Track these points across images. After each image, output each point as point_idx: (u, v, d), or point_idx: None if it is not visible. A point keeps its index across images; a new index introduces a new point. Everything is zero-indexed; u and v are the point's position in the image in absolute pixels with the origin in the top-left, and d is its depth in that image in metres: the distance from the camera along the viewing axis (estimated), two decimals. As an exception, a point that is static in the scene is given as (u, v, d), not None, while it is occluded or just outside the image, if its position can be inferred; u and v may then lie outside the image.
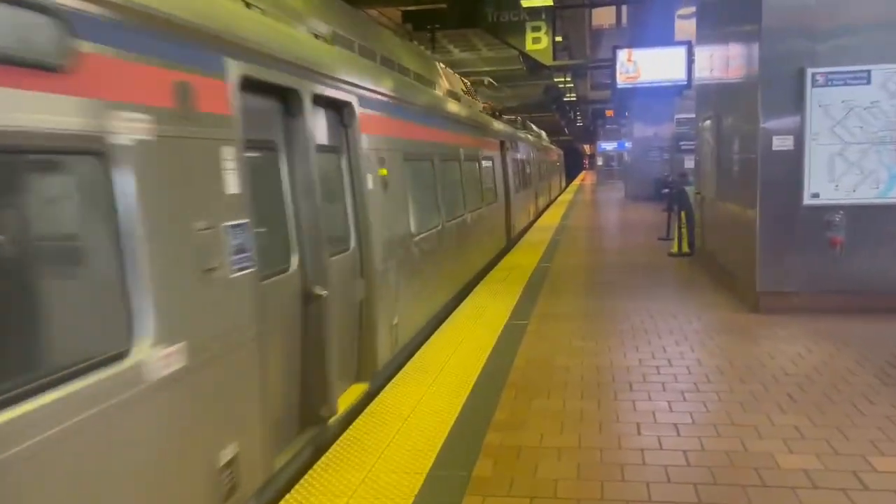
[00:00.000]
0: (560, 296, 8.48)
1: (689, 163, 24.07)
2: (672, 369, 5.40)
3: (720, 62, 8.84)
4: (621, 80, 13.73)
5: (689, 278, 9.39)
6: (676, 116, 23.36)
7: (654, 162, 25.75)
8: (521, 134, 19.38)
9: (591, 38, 23.23)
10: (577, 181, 51.65)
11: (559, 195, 33.99)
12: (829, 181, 6.77)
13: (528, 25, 14.12)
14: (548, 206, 26.24)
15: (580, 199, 29.06)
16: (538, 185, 22.57)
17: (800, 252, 6.91)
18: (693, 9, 20.69)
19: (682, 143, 23.45)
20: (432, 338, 6.70)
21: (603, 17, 28.50)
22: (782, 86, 6.84)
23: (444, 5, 13.96)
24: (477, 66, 25.80)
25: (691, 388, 4.96)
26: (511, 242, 14.27)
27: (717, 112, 8.96)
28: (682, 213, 11.67)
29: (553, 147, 35.87)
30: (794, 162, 6.84)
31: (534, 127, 28.90)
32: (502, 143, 13.46)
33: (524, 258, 11.86)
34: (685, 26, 19.75)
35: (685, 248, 11.60)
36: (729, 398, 4.72)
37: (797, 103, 6.79)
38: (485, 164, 11.63)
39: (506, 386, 5.12)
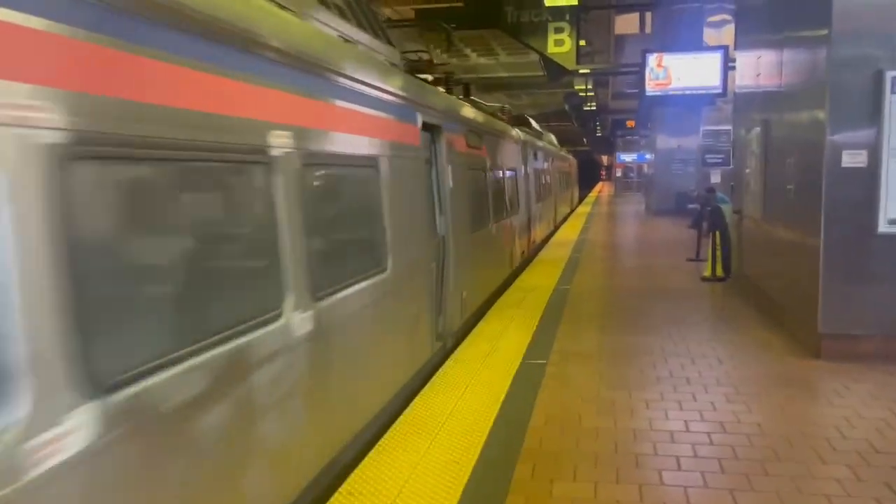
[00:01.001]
0: (583, 327, 7.43)
1: (716, 177, 23.07)
2: (728, 437, 4.34)
3: (771, 67, 7.78)
4: (651, 87, 12.69)
5: (729, 309, 8.30)
6: (703, 128, 22.27)
7: (677, 175, 24.65)
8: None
9: (614, 45, 22.20)
10: (594, 192, 50.49)
11: (570, 212, 28.19)
12: (910, 205, 5.69)
13: (551, 26, 13.12)
14: (558, 226, 22.14)
15: (598, 212, 27.94)
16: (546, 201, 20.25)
17: (873, 289, 5.83)
18: (723, 16, 19.77)
19: (708, 156, 22.39)
20: (435, 377, 5.69)
21: (625, 25, 27.47)
22: (855, 92, 5.78)
23: (460, 3, 12.99)
24: (495, 71, 24.85)
25: (756, 468, 3.89)
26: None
27: (766, 122, 7.90)
28: (717, 234, 10.58)
29: (567, 155, 30.97)
30: (867, 181, 5.77)
31: (549, 135, 27.37)
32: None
33: (541, 278, 10.82)
34: (713, 34, 18.74)
35: (720, 272, 10.51)
36: (809, 486, 3.66)
37: (873, 112, 5.72)
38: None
39: (520, 457, 4.08)
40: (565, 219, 24.33)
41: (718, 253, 10.54)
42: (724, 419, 4.63)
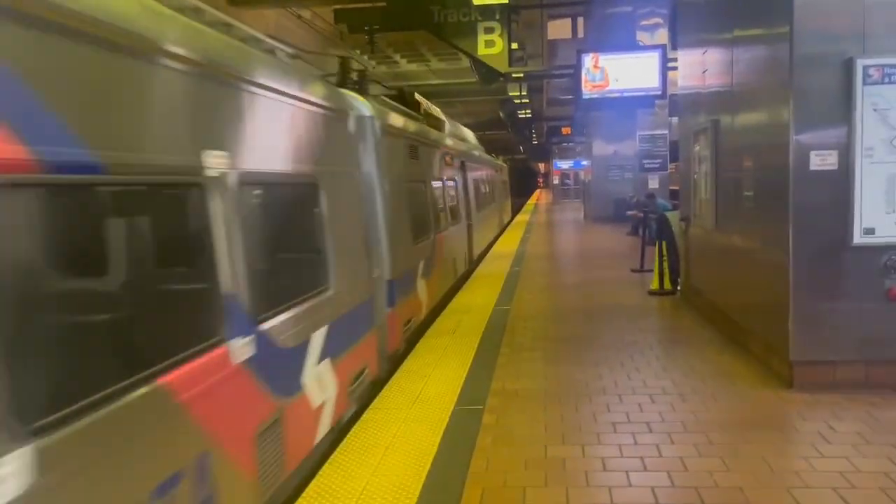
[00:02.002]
0: (524, 357, 6.55)
1: (654, 182, 22.78)
2: (706, 509, 3.50)
3: (720, 65, 7.10)
4: (587, 90, 12.00)
5: (684, 329, 7.55)
6: (639, 133, 21.95)
7: (615, 181, 24.28)
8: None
9: (548, 50, 21.67)
10: (532, 200, 50.21)
11: (500, 233, 22.36)
12: (887, 212, 5.01)
13: (481, 26, 12.31)
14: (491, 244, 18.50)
15: (537, 221, 27.37)
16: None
17: (849, 308, 5.12)
18: (656, 20, 19.42)
19: (645, 161, 22.06)
20: (348, 437, 4.70)
21: (558, 30, 27.11)
22: (822, 86, 5.08)
23: (382, 3, 12.07)
24: (427, 78, 24.01)
25: (749, 557, 3.04)
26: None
27: (716, 124, 7.22)
28: (663, 244, 9.92)
29: (495, 161, 25.41)
30: (839, 186, 5.07)
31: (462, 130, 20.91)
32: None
33: (479, 296, 9.93)
34: (646, 37, 18.33)
35: (668, 285, 9.83)
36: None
37: (843, 107, 5.03)
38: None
39: (449, 560, 3.14)
40: (489, 248, 17.50)
41: (665, 264, 9.87)
42: (698, 483, 3.78)
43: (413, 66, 22.47)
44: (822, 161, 5.07)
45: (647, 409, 4.97)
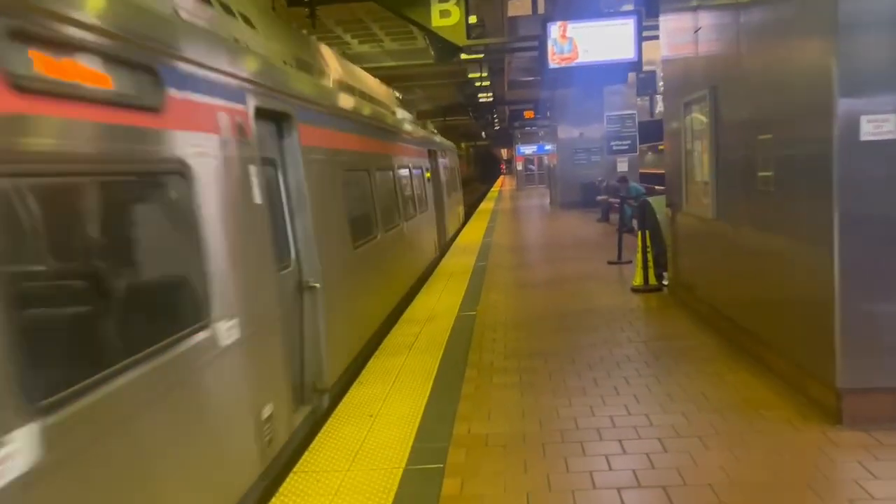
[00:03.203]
0: (496, 384, 5.30)
1: (623, 165, 21.71)
2: None
3: (719, 20, 5.90)
4: (554, 61, 10.74)
5: (681, 337, 6.37)
6: (607, 114, 20.84)
7: (582, 165, 23.19)
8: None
9: (507, 26, 20.39)
10: (495, 187, 49.08)
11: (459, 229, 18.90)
12: (964, 194, 3.85)
13: (435, -6, 10.95)
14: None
15: (502, 209, 26.19)
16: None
17: (915, 320, 3.96)
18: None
19: (614, 143, 20.98)
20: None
21: (519, 7, 25.82)
22: (878, 32, 3.89)
23: (323, -31, 10.64)
24: (381, 60, 22.57)
25: None
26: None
27: (715, 91, 6.03)
28: (647, 234, 8.75)
29: (444, 143, 18.84)
30: (901, 162, 3.89)
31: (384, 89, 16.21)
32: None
33: (441, 298, 8.66)
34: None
35: (653, 281, 8.67)
36: None
37: (904, 58, 3.84)
38: None
39: None
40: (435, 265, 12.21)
41: (650, 257, 8.71)
42: None
43: (365, 48, 21.02)
44: (877, 129, 3.88)
45: (661, 463, 3.75)
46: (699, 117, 6.58)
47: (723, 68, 5.88)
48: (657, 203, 8.77)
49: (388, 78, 27.10)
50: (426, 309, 8.20)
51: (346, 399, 5.20)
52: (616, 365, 5.57)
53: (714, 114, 6.08)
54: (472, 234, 17.23)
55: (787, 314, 4.76)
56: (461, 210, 21.64)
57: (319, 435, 4.50)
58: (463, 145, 77.26)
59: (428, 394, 5.16)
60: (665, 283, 8.68)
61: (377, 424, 4.59)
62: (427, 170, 13.30)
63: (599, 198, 18.79)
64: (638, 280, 8.76)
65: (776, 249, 4.88)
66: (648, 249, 8.68)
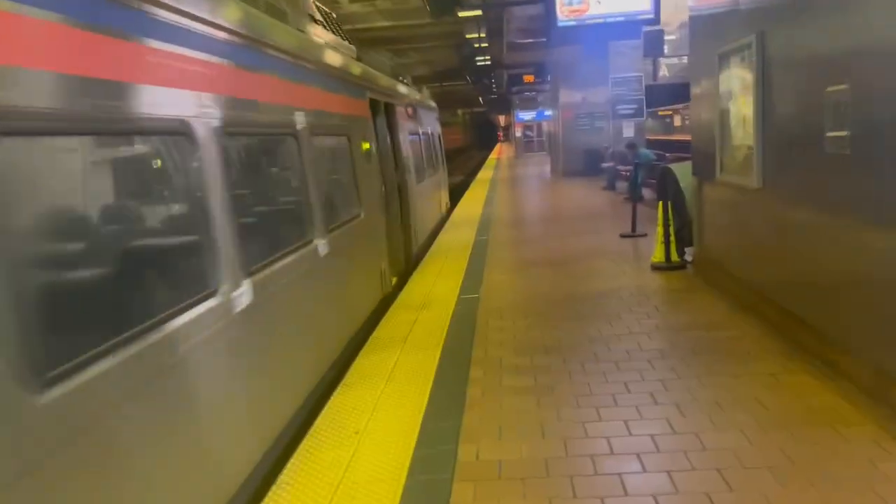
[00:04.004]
0: (506, 389, 4.44)
1: (629, 130, 20.67)
2: None
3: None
4: (563, 16, 9.72)
5: (719, 325, 5.50)
6: (612, 77, 19.75)
7: (584, 131, 22.19)
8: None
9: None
10: (493, 155, 47.97)
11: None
12: None
13: (430, -61, 9.86)
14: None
15: (501, 178, 25.23)
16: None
17: None
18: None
19: (619, 107, 19.92)
20: None
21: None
22: None
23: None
24: (373, 20, 21.39)
25: None
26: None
27: (762, 37, 5.09)
28: (668, 205, 7.84)
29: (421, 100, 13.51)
30: None
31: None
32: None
33: (440, 280, 7.79)
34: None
35: (675, 257, 7.80)
36: None
37: None
38: None
39: None
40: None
41: (672, 230, 7.82)
42: None
43: (356, 7, 19.82)
44: None
45: (727, 509, 2.91)
46: (740, 71, 5.65)
47: (775, 8, 4.92)
48: (681, 171, 7.86)
49: (381, 40, 25.93)
50: (422, 292, 7.33)
51: (328, 406, 4.36)
52: (648, 363, 4.71)
53: (761, 64, 5.14)
54: (471, 205, 16.30)
55: (864, 306, 3.89)
56: (445, 198, 15.04)
57: (293, 460, 3.65)
58: (460, 112, 75.86)
59: (426, 401, 4.31)
60: (689, 259, 7.81)
61: (364, 445, 3.75)
62: (366, 137, 7.13)
63: (605, 165, 17.84)
64: (658, 256, 7.89)
65: (849, 226, 3.99)
66: (670, 222, 7.80)
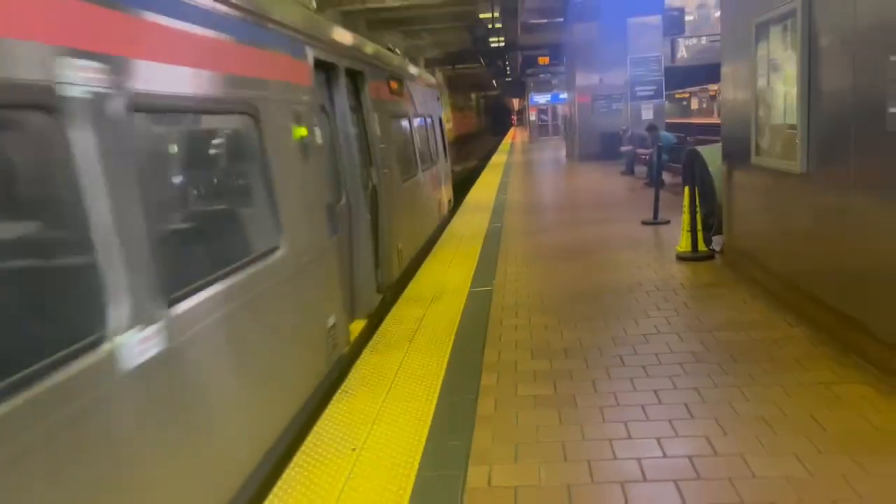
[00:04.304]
0: (522, 401, 3.96)
1: (648, 112, 20.02)
2: None
3: None
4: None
5: (757, 326, 4.99)
6: (630, 57, 19.09)
7: (601, 114, 21.53)
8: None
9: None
10: (507, 139, 47.28)
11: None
12: None
13: None
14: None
15: (515, 162, 24.66)
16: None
17: None
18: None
19: (638, 88, 19.27)
20: None
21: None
22: None
23: None
24: (384, 0, 20.81)
25: None
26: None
27: (809, 5, 4.54)
28: (695, 191, 7.31)
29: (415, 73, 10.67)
30: None
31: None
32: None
33: (450, 270, 7.31)
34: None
35: (702, 246, 7.27)
36: None
37: None
38: None
39: None
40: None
41: (699, 217, 7.29)
42: None
43: (367, -14, 19.30)
44: None
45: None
46: (781, 41, 5.09)
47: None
48: (710, 154, 7.31)
49: (393, 21, 25.33)
50: (433, 283, 6.86)
51: (324, 417, 3.91)
52: (681, 368, 4.22)
53: (808, 32, 4.59)
54: (485, 190, 15.79)
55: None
56: (446, 195, 12.11)
57: (280, 482, 3.21)
58: (473, 96, 75.01)
59: (432, 412, 3.85)
60: (716, 249, 7.29)
61: (360, 466, 3.30)
62: (301, 118, 4.55)
63: (624, 148, 17.23)
64: (684, 245, 7.36)
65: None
66: (697, 209, 7.27)
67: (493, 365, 4.52)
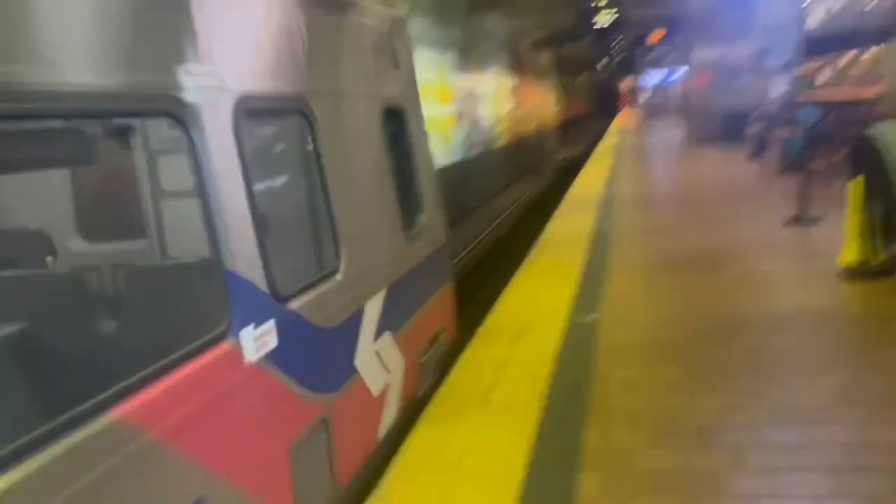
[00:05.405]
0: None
1: (778, 87, 17.61)
2: None
3: None
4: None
5: None
6: (761, 24, 16.79)
7: (722, 92, 19.23)
8: None
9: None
10: (615, 122, 44.74)
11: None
12: None
13: None
14: None
15: (625, 147, 22.71)
16: None
17: None
18: None
19: (767, 59, 16.92)
20: None
21: None
22: None
23: None
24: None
25: None
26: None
27: None
28: (863, 181, 5.55)
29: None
30: None
31: None
32: None
33: (543, 289, 5.93)
34: None
35: (880, 255, 5.51)
36: None
37: None
38: None
39: None
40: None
41: (876, 219, 5.53)
42: None
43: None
44: None
45: None
46: None
47: None
48: (890, 136, 5.52)
49: (494, 2, 23.87)
50: (519, 310, 5.51)
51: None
52: (883, 477, 2.69)
53: None
54: (591, 181, 14.17)
55: None
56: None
57: None
58: (580, 78, 72.23)
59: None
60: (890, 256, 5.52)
61: None
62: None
63: (751, 130, 15.07)
64: (851, 255, 5.63)
65: None
66: (872, 208, 5.52)
67: (597, 457, 3.12)
